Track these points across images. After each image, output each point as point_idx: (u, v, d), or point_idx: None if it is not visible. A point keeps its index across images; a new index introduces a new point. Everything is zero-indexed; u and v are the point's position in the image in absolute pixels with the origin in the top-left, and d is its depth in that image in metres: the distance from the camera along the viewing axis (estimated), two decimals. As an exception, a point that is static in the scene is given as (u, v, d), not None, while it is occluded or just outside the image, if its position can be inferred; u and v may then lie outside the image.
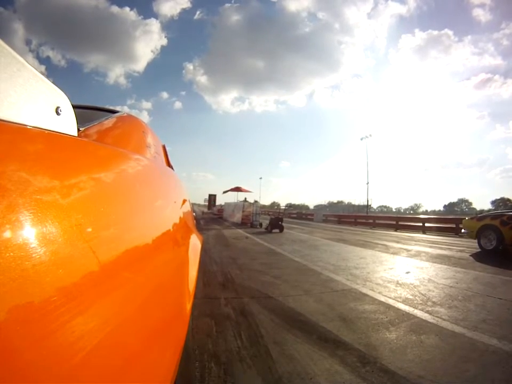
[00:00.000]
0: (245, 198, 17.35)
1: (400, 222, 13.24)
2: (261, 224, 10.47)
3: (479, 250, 5.65)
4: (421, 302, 2.51)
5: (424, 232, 11.49)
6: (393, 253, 5.47)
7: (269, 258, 4.48)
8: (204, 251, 4.77)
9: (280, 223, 8.95)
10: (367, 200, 29.35)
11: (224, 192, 18.98)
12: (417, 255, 5.32)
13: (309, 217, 21.57)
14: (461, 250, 5.90)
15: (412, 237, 9.61)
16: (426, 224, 11.96)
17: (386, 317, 2.13)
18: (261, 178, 42.73)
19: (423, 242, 7.72)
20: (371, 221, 14.73)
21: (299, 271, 3.60)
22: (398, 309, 2.31)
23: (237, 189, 17.84)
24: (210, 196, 27.23)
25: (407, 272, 3.75)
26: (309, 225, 14.23)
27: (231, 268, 3.62)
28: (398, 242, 7.55)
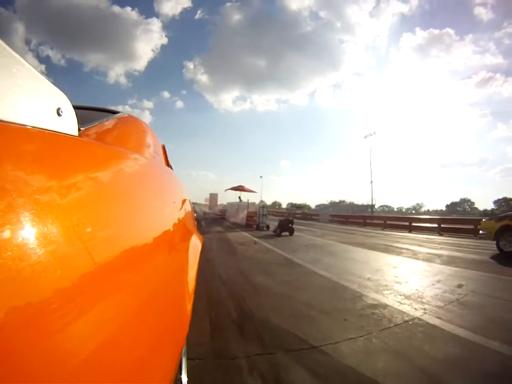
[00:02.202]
0: (239, 197, 16.55)
1: (414, 222, 12.56)
2: (268, 227, 9.71)
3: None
4: (507, 334, 1.84)
5: (440, 234, 10.87)
6: (425, 260, 4.80)
7: (288, 272, 3.74)
8: (207, 261, 4.08)
9: (290, 225, 8.21)
10: (372, 200, 28.64)
11: (226, 190, 18.16)
12: (452, 261, 4.66)
13: (314, 217, 20.86)
14: (495, 255, 5.23)
15: (431, 239, 8.94)
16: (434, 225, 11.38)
17: (492, 366, 1.46)
18: (261, 177, 41.49)
19: (447, 246, 7.07)
20: (381, 221, 14.00)
21: (333, 293, 2.81)
22: (489, 349, 1.65)
23: (240, 188, 17.08)
24: (211, 195, 26.39)
25: (459, 286, 3.09)
26: (316, 226, 13.52)
27: (244, 291, 2.74)
28: (420, 245, 6.87)
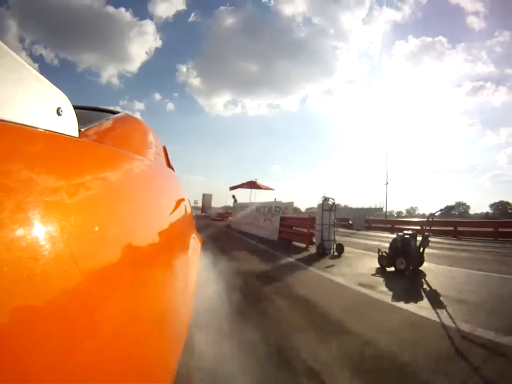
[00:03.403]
0: (233, 196, 12.51)
1: (501, 228, 9.08)
2: (342, 248, 5.16)
3: None
4: None
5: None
6: None
7: None
8: None
9: (422, 250, 3.84)
10: (386, 203, 25.45)
11: (232, 188, 13.40)
12: None
13: (343, 223, 16.83)
14: None
15: None
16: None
17: None
18: (256, 179, 37.36)
19: None
20: (451, 228, 10.27)
21: None
22: None
23: (251, 185, 12.70)
24: (205, 195, 21.79)
25: None
26: (364, 237, 9.58)
27: None
28: None
